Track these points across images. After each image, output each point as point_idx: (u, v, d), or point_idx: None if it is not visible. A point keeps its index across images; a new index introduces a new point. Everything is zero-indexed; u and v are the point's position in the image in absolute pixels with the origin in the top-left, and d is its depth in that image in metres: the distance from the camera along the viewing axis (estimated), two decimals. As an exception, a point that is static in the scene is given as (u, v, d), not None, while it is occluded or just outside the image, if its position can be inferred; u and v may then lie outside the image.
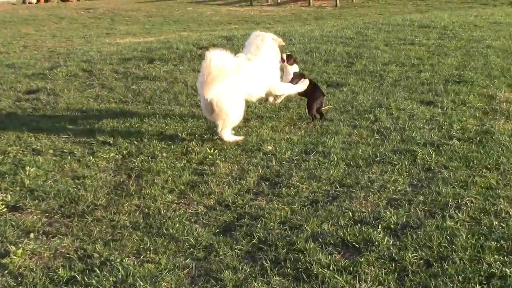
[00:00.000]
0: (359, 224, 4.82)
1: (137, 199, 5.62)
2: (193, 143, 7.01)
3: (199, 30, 22.46)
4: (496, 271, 4.05)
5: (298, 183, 5.72)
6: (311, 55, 11.58)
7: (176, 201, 5.55)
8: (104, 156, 6.76)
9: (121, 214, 5.30)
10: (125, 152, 6.86)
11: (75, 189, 5.86)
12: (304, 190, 5.58)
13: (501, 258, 4.22)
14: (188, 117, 8.08)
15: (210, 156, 6.56)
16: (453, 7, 26.69)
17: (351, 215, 5.01)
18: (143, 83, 10.31)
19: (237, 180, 5.91)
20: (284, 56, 7.74)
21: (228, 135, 7.02)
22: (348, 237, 4.62)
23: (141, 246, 4.73)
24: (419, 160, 6.11)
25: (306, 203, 5.31)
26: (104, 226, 5.11)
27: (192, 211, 5.32)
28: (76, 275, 4.32)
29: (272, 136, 7.13)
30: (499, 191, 5.27)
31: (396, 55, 11.26)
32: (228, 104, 6.80)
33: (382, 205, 5.18)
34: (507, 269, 4.04)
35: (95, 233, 4.98)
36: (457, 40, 12.58)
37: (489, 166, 5.86)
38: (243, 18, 27.89)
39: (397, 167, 5.99)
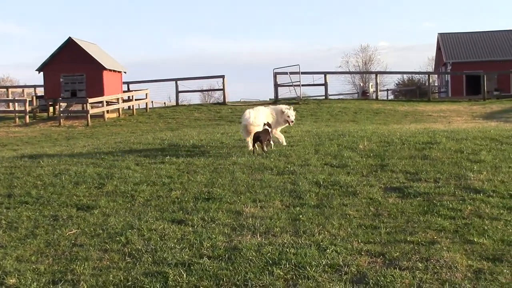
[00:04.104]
0: None
1: None
2: None
3: None
4: None
5: (44, 318, 5.37)
6: (60, 178, 11.24)
7: None
8: None
9: None
10: None
11: None
12: (51, 324, 5.25)
13: None
14: None
15: None
16: (202, 125, 27.91)
17: None
18: None
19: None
20: None
21: None
22: None
23: None
24: (171, 282, 6.09)
25: None
26: None
27: None
28: None
29: (17, 267, 6.68)
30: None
31: (147, 174, 11.33)
32: None
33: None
34: None
35: None
36: (205, 157, 13.00)
37: (238, 282, 6.00)
38: (-13, 140, 26.63)
39: (149, 290, 5.90)
